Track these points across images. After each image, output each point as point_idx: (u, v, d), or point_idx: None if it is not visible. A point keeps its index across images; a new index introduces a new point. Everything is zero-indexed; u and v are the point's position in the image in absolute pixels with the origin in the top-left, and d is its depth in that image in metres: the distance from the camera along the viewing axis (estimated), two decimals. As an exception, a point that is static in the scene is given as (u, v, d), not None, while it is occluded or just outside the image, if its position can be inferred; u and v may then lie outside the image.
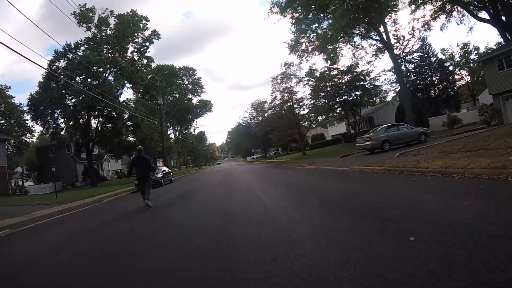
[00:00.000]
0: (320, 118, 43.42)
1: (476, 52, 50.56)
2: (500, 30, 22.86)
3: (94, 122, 29.46)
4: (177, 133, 62.88)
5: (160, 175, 17.71)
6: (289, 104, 31.00)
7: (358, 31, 25.44)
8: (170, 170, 23.14)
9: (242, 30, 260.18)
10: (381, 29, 23.29)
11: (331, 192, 6.43)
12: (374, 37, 24.56)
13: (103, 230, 5.94)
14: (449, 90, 41.29)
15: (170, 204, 8.42)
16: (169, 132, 60.07)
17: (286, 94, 30.67)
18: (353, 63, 28.69)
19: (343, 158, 15.70)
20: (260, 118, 35.85)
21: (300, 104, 30.82)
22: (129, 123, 31.34)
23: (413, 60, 40.67)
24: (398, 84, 45.51)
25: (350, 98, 30.17)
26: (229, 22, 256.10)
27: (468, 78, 52.24)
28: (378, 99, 47.51)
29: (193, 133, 66.73)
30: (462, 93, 47.90)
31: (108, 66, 29.77)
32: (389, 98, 48.93)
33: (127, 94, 61.92)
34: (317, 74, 29.86)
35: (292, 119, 30.67)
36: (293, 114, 30.94)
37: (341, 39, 26.12)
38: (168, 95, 55.24)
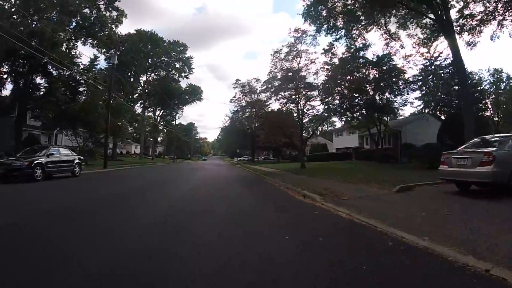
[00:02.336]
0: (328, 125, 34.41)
1: (507, 81, 44.45)
2: None
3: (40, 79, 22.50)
4: (158, 117, 54.67)
5: (40, 160, 11.33)
6: (293, 92, 21.10)
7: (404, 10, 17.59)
8: (76, 156, 14.28)
9: (251, 33, 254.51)
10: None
11: None
12: (428, 14, 16.60)
13: None
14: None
15: None
16: (149, 114, 51.82)
17: (290, 74, 20.57)
18: (385, 54, 20.65)
19: (409, 196, 6.77)
20: (246, 101, 25.69)
21: (309, 95, 20.94)
22: (81, 89, 24.46)
23: (442, 74, 32.50)
24: (438, 92, 35.30)
25: (377, 101, 21.65)
26: (240, 23, 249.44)
27: (491, 111, 45.68)
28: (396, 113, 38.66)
29: (179, 121, 58.47)
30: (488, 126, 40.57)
31: (58, 9, 22.90)
32: (405, 115, 40.23)
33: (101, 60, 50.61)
34: (336, 60, 21.19)
35: (294, 114, 21.84)
36: (297, 107, 21.31)
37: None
38: (150, 71, 46.62)
